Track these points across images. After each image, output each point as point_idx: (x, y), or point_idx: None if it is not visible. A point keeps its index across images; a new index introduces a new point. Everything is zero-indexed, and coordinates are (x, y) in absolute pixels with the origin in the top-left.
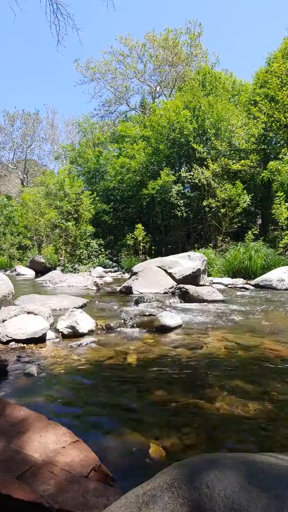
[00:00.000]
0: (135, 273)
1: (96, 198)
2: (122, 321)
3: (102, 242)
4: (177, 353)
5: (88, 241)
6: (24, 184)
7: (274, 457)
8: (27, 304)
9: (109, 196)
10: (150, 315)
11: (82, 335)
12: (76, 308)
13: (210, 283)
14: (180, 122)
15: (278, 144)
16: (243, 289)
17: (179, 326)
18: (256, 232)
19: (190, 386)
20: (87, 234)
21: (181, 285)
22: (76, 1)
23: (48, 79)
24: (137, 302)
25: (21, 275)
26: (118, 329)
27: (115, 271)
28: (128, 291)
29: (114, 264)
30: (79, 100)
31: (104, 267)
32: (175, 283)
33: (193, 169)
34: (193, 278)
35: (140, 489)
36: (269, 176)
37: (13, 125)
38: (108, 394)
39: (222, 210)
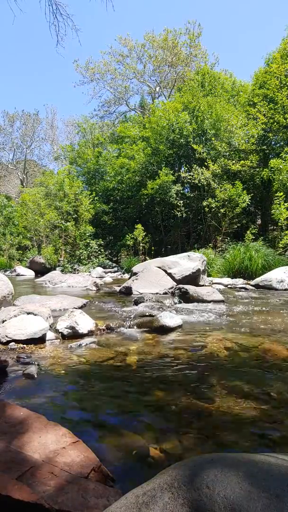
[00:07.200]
0: (135, 274)
1: (96, 198)
2: (122, 321)
3: (102, 242)
4: (177, 354)
5: (88, 241)
6: (24, 184)
7: (274, 457)
8: (27, 305)
9: (108, 197)
10: (150, 315)
11: (82, 335)
12: (76, 308)
13: (210, 283)
14: (180, 123)
15: (278, 145)
16: (243, 289)
17: (179, 327)
18: (255, 231)
19: (190, 387)
20: (87, 234)
21: (181, 286)
22: (76, 1)
23: (48, 79)
24: (136, 303)
25: (21, 275)
26: (118, 329)
27: (114, 272)
28: (128, 291)
29: (114, 264)
30: (78, 101)
31: (104, 267)
32: (175, 284)
33: (193, 169)
34: (193, 279)
35: (140, 490)
36: (269, 174)
37: (13, 125)
38: (108, 395)
39: (222, 210)
